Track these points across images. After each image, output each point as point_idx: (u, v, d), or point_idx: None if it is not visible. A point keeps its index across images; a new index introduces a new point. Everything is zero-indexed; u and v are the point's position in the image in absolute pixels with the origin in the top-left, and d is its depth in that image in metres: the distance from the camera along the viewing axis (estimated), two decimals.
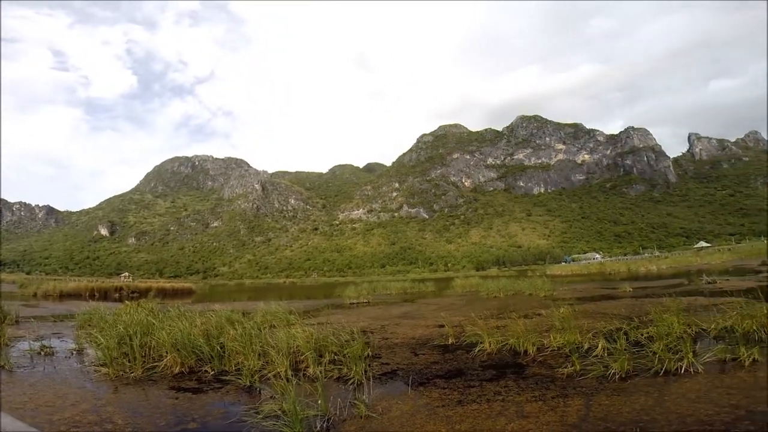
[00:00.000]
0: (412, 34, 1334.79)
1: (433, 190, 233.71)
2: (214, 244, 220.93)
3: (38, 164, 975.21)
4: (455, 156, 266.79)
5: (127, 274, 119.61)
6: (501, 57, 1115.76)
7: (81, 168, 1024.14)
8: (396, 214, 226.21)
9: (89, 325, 10.85)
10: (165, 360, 7.30)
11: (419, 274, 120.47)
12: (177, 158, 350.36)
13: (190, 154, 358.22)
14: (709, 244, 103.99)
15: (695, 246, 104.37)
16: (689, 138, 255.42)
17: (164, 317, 9.68)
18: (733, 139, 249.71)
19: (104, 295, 35.61)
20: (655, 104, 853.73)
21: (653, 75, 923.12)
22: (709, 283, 18.99)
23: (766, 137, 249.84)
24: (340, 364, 6.77)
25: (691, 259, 51.08)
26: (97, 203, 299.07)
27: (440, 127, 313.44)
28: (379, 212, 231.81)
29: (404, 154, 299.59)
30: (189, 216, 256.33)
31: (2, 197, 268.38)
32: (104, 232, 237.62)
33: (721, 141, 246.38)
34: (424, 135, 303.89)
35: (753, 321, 7.15)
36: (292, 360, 6.96)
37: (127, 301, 16.05)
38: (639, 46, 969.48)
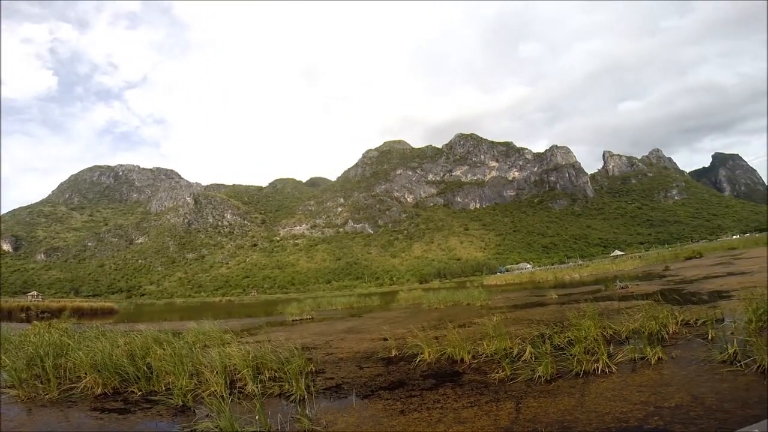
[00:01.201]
0: (356, 50, 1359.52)
1: (377, 206, 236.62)
2: (140, 261, 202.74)
3: None
4: (399, 172, 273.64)
5: (35, 293, 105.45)
6: (441, 77, 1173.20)
7: None
8: (341, 230, 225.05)
9: None
10: (84, 381, 6.86)
11: (366, 288, 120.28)
12: (97, 167, 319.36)
13: (113, 163, 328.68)
14: (622, 252, 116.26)
15: (611, 254, 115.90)
16: (603, 155, 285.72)
17: (81, 338, 8.97)
18: (639, 156, 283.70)
19: (8, 315, 32.35)
20: (572, 124, 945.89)
21: (570, 97, 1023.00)
22: (623, 288, 21.08)
23: (666, 155, 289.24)
24: (281, 381, 6.64)
25: (608, 266, 56.45)
26: None
27: (385, 143, 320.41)
28: (324, 227, 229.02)
29: (350, 169, 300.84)
30: (110, 231, 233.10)
31: None
32: (6, 247, 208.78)
33: (630, 158, 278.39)
34: (369, 150, 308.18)
35: (656, 322, 8.09)
36: (228, 378, 6.73)
37: (35, 322, 14.27)
38: (559, 70, 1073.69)
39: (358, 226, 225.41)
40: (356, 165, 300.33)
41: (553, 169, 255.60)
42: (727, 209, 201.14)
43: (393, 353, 9.03)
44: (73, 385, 6.86)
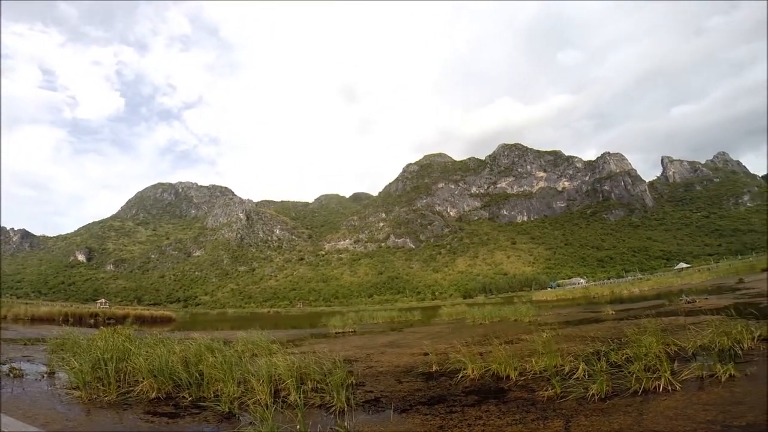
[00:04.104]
0: (397, 66, 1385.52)
1: (419, 220, 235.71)
2: (197, 273, 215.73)
3: (18, 186, 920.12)
4: (440, 185, 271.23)
5: (103, 300, 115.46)
6: (479, 89, 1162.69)
7: (61, 192, 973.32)
8: (383, 244, 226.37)
9: (62, 350, 10.54)
10: (141, 385, 7.20)
11: (407, 303, 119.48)
12: (160, 185, 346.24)
13: (174, 180, 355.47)
14: (688, 265, 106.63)
15: (675, 267, 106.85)
16: (662, 161, 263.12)
17: (141, 344, 9.51)
18: (703, 161, 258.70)
19: (79, 320, 34.20)
20: (623, 131, 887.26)
21: (617, 103, 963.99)
22: (689, 302, 19.38)
23: (734, 158, 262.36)
24: (323, 392, 6.69)
25: (672, 280, 52.22)
26: (76, 229, 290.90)
27: (425, 156, 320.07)
28: (366, 242, 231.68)
29: (390, 184, 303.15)
30: (171, 245, 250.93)
31: None
32: (81, 258, 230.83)
33: (692, 163, 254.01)
34: (409, 165, 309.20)
35: (728, 338, 7.39)
36: (272, 388, 6.87)
37: (102, 327, 15.51)
38: (603, 76, 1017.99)
39: (399, 240, 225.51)
40: (396, 180, 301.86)
41: (606, 177, 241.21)
42: None
43: (434, 368, 8.82)
44: (130, 389, 7.20)
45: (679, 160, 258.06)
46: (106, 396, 6.92)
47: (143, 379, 7.26)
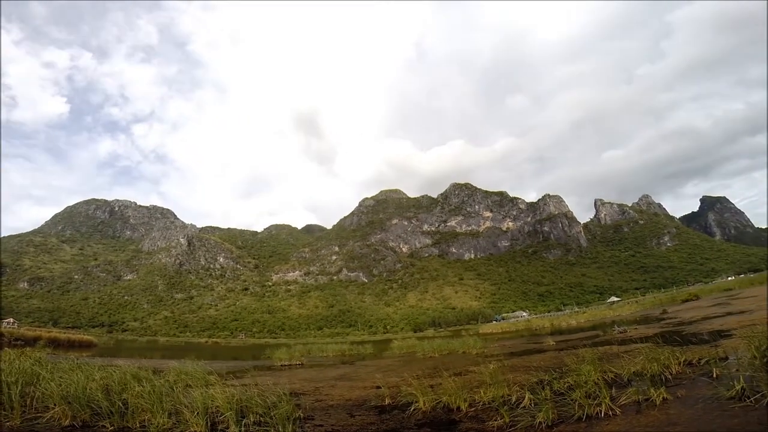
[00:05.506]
0: (356, 103, 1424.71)
1: (372, 255, 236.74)
2: (126, 297, 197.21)
3: None
4: (394, 222, 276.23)
5: (11, 320, 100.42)
6: (436, 128, 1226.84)
7: None
8: (335, 278, 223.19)
9: None
10: (52, 412, 6.51)
11: (359, 336, 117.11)
12: (94, 201, 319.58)
13: (110, 197, 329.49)
14: (619, 299, 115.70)
15: (608, 301, 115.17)
16: (595, 203, 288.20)
17: (55, 368, 8.54)
18: (630, 203, 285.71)
19: None
20: (560, 174, 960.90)
21: (556, 148, 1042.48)
22: (621, 332, 20.81)
23: (656, 200, 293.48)
24: (267, 426, 6.29)
25: (605, 312, 55.91)
26: None
27: (381, 192, 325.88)
28: (317, 275, 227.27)
29: (345, 218, 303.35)
30: (99, 266, 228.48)
31: None
32: None
33: (621, 205, 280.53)
34: (366, 199, 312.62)
35: (658, 364, 7.94)
36: (209, 420, 6.37)
37: (7, 348, 13.58)
38: (545, 121, 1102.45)
39: (352, 274, 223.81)
40: (352, 213, 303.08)
41: (546, 219, 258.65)
42: (719, 253, 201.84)
43: (386, 401, 8.67)
44: (38, 415, 6.52)
45: (610, 202, 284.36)
46: (7, 421, 6.27)
47: (55, 405, 6.57)
